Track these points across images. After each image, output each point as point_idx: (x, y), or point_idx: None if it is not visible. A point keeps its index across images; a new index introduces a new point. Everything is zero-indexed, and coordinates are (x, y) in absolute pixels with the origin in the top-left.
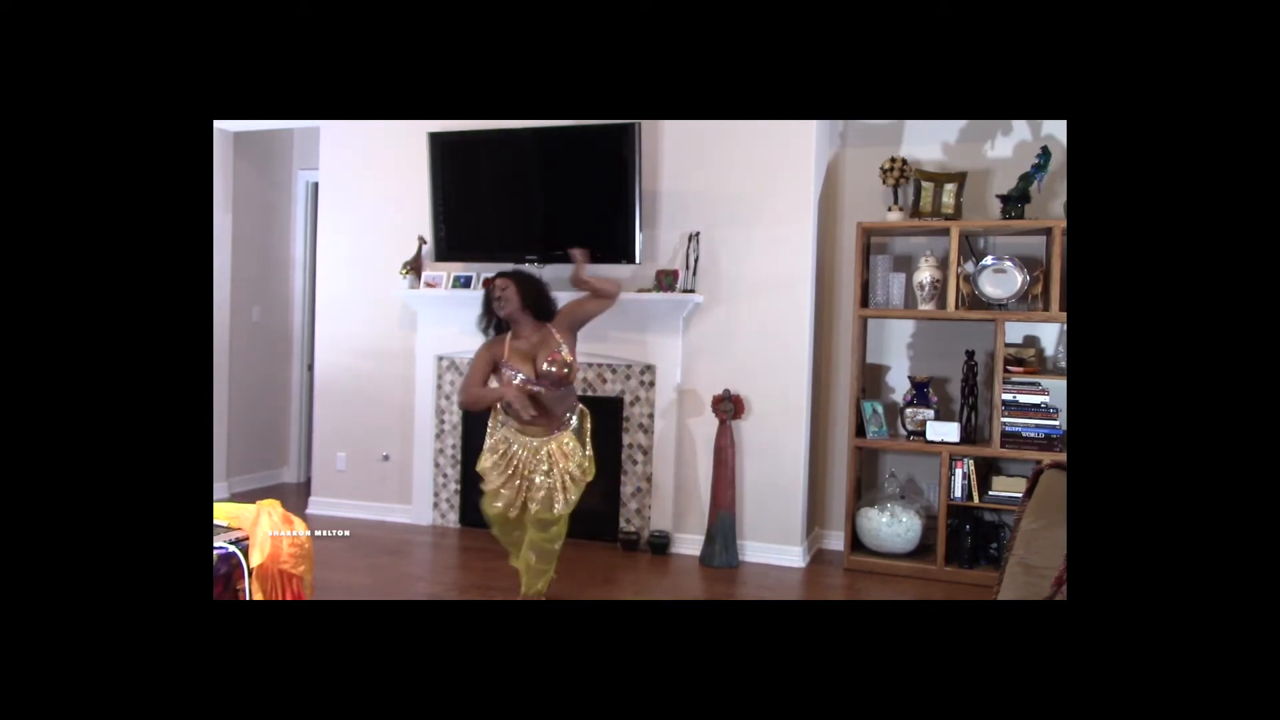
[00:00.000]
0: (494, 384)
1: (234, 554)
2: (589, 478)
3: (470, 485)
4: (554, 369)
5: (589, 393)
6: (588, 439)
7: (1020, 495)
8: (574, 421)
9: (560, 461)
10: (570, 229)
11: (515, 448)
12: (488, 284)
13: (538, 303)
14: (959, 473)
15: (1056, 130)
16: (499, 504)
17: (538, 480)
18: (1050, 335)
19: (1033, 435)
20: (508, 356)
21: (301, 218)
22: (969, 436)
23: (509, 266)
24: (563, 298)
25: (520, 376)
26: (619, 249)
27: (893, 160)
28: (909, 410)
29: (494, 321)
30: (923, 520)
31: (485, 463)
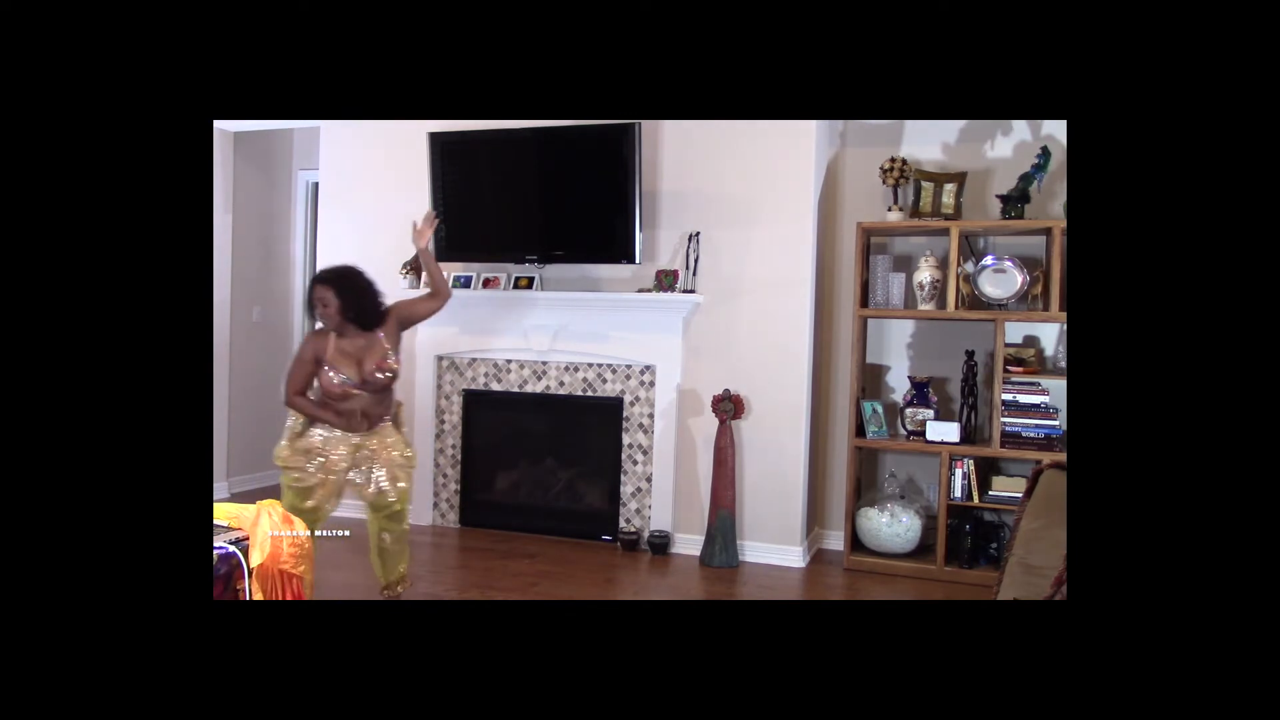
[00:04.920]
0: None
1: (234, 554)
2: (413, 465)
3: (470, 485)
4: (382, 376)
5: (589, 393)
6: (403, 427)
7: (1020, 495)
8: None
9: (383, 454)
10: (570, 229)
11: (332, 449)
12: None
13: (360, 314)
14: (959, 473)
15: (1056, 130)
16: (311, 502)
17: (374, 475)
18: (1050, 335)
19: (1033, 435)
20: (331, 356)
21: (301, 218)
22: (969, 436)
23: (337, 266)
24: (565, 297)
25: (341, 378)
26: (619, 249)
27: (893, 160)
28: (909, 410)
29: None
30: (923, 520)
31: (285, 453)
